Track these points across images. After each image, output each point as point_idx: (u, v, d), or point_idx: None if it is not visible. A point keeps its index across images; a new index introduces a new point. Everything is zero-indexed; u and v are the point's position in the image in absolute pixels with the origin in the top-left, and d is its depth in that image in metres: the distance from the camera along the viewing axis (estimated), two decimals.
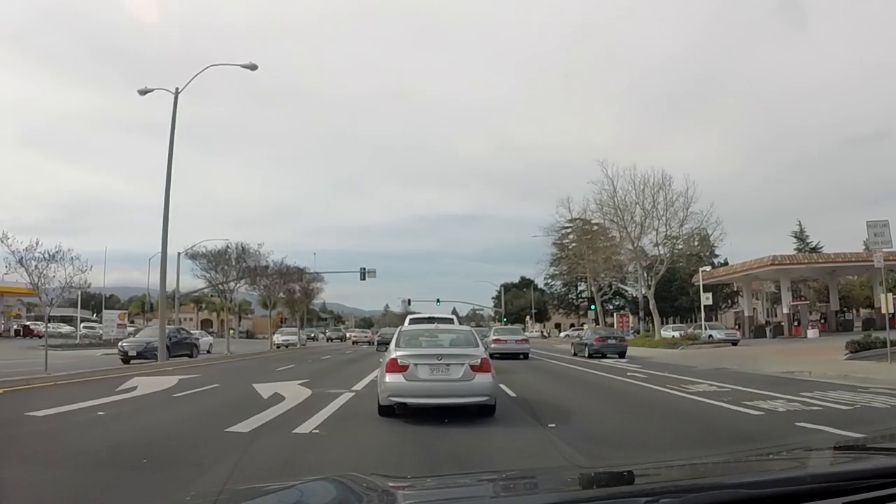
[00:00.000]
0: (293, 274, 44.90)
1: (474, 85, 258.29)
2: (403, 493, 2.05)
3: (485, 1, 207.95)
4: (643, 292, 39.53)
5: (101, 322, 57.59)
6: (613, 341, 29.93)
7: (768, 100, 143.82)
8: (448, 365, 9.30)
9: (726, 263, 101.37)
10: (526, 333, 36.75)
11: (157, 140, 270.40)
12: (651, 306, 39.92)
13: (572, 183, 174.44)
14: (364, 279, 52.10)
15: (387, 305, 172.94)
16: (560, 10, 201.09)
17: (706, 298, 40.39)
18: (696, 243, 50.11)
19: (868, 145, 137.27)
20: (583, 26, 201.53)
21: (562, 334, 79.53)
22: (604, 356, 28.44)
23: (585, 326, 54.05)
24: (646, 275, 50.15)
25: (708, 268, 45.95)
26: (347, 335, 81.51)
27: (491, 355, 11.05)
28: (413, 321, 18.85)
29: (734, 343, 37.03)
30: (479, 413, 9.45)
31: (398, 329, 13.24)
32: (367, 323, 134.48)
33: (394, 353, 9.68)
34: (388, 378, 9.33)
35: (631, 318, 47.41)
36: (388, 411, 9.42)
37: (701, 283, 41.15)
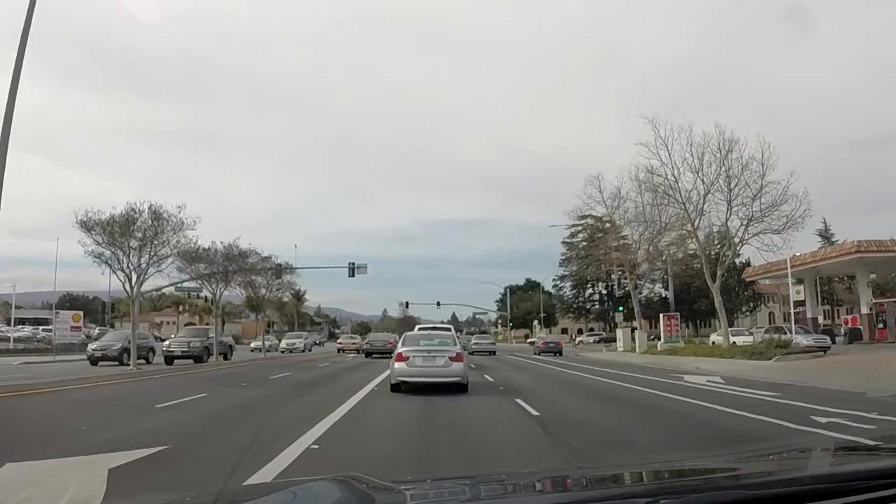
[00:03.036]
0: (249, 260, 33.11)
1: (476, 88, 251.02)
2: (403, 493, 1.99)
3: (486, 4, 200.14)
4: (715, 288, 29.70)
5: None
6: (552, 345, 42.96)
7: (772, 103, 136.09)
8: (434, 356, 13.77)
9: (748, 264, 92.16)
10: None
11: (160, 144, 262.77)
12: (717, 305, 30.58)
13: (575, 186, 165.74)
14: (353, 276, 42.71)
15: (385, 310, 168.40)
16: (561, 13, 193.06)
17: (797, 293, 30.97)
18: (716, 242, 41.61)
19: (873, 150, 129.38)
20: (584, 28, 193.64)
21: (576, 340, 69.53)
22: (554, 354, 40.47)
23: (619, 333, 44.27)
24: (668, 270, 41.33)
25: (778, 259, 36.18)
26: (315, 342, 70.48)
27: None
28: (420, 329, 21.88)
29: (824, 350, 27.77)
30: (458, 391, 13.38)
31: (404, 334, 17.79)
32: (364, 328, 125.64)
33: (399, 349, 14.47)
34: (396, 365, 13.81)
35: (675, 322, 37.39)
36: (396, 388, 13.60)
37: (789, 272, 31.68)
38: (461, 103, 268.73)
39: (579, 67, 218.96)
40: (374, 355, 35.15)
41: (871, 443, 2.72)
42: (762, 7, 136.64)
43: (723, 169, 28.76)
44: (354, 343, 46.80)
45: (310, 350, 51.54)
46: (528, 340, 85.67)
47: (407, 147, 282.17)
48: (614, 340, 65.63)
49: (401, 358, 13.76)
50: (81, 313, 52.03)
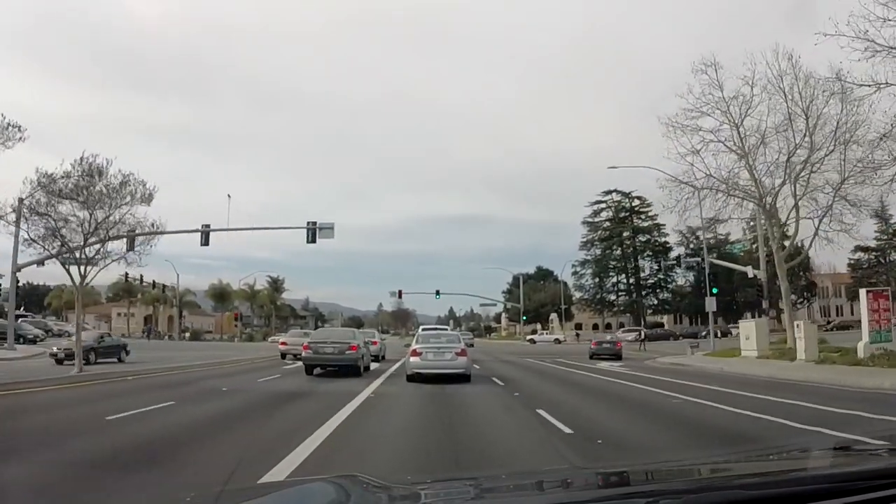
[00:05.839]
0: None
1: (476, 88, 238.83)
2: (403, 493, 1.95)
3: (486, 4, 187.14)
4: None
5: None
6: (608, 346, 33.97)
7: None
8: (443, 352, 16.92)
9: (801, 248, 76.88)
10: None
11: (160, 144, 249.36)
12: None
13: (577, 185, 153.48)
14: (314, 241, 30.09)
15: (380, 304, 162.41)
16: (562, 13, 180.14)
17: None
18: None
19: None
20: (584, 28, 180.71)
21: (639, 339, 53.01)
22: (611, 358, 31.31)
23: (751, 326, 26.62)
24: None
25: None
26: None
27: None
28: (424, 329, 22.12)
29: None
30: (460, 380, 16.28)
31: (417, 333, 21.03)
32: (356, 322, 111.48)
33: (414, 346, 17.56)
34: (412, 359, 16.95)
35: (886, 303, 20.38)
36: (412, 378, 16.48)
37: None
38: (461, 103, 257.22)
39: (580, 67, 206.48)
40: (325, 368, 19.08)
41: (872, 442, 2.66)
42: (762, 7, 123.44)
43: None
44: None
45: None
46: (528, 338, 68.79)
47: (407, 147, 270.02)
48: (666, 339, 51.71)
49: (415, 353, 16.74)
50: None
